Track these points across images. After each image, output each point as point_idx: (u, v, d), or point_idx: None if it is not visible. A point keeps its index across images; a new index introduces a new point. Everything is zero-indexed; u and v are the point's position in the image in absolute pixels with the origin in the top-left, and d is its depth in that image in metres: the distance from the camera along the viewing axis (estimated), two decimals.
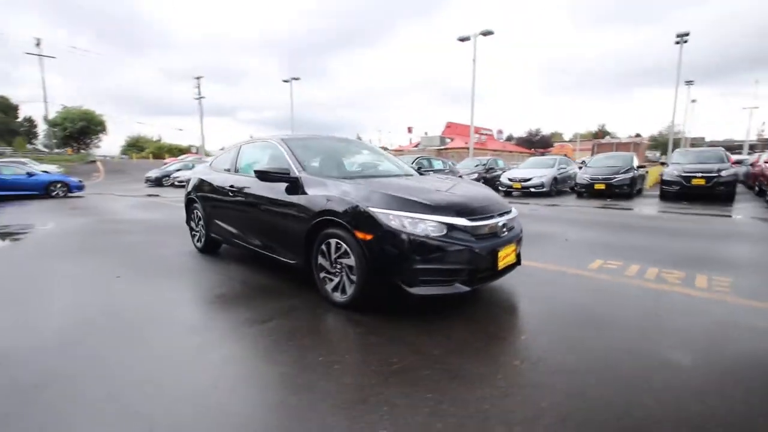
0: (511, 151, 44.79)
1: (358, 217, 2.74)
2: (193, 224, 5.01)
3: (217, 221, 4.44)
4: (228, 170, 4.41)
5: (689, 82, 28.35)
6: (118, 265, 4.41)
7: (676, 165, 11.33)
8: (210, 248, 4.82)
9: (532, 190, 12.56)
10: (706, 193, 10.39)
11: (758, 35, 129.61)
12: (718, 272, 3.81)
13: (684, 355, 2.27)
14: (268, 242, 3.67)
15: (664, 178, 11.18)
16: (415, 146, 43.20)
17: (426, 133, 45.72)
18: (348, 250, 2.80)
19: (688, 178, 10.57)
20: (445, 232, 2.63)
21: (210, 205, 4.56)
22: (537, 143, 54.04)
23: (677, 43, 18.45)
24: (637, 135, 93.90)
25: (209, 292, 3.46)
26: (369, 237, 2.65)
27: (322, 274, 3.08)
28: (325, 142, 4.22)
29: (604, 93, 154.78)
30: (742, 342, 2.44)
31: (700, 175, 10.47)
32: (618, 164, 12.46)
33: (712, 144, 62.12)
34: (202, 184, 4.73)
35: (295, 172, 3.38)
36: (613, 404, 1.81)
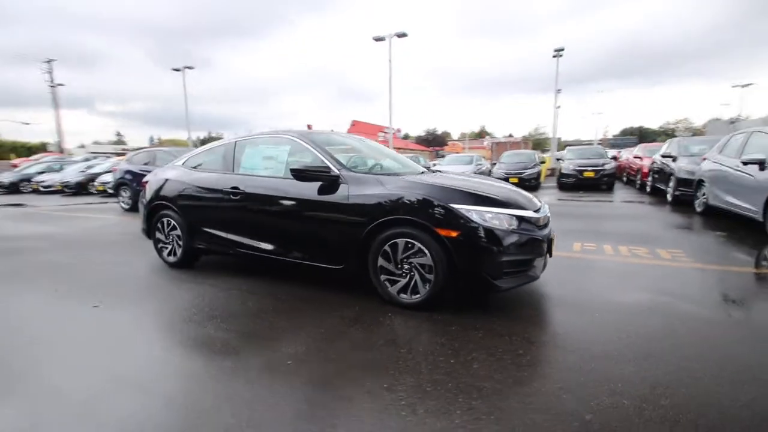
0: (412, 149, 47.28)
1: (439, 215, 2.68)
2: (160, 236, 4.22)
3: (207, 229, 3.83)
4: (221, 170, 3.83)
5: (559, 91, 33.72)
6: (75, 291, 3.51)
7: (571, 160, 13.47)
8: (188, 261, 4.13)
9: (605, 177, 13.11)
10: (594, 183, 12.54)
11: (604, 54, 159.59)
12: (665, 246, 4.71)
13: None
14: (297, 247, 3.33)
15: (563, 171, 13.16)
16: None
17: (332, 130, 45.32)
18: (423, 248, 2.73)
19: (581, 171, 12.64)
20: (517, 224, 2.75)
21: (196, 212, 3.92)
22: (433, 142, 58.10)
23: (554, 56, 21.81)
24: (510, 135, 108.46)
25: (246, 317, 2.99)
26: (454, 234, 2.62)
27: (384, 277, 2.93)
28: (337, 138, 3.98)
29: (485, 96, 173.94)
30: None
31: (590, 168, 12.61)
32: (525, 160, 14.24)
33: (567, 143, 74.50)
34: (178, 188, 4.01)
35: (335, 170, 3.13)
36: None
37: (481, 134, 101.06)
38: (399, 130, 60.81)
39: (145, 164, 9.57)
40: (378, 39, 18.86)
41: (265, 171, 3.57)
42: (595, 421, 1.65)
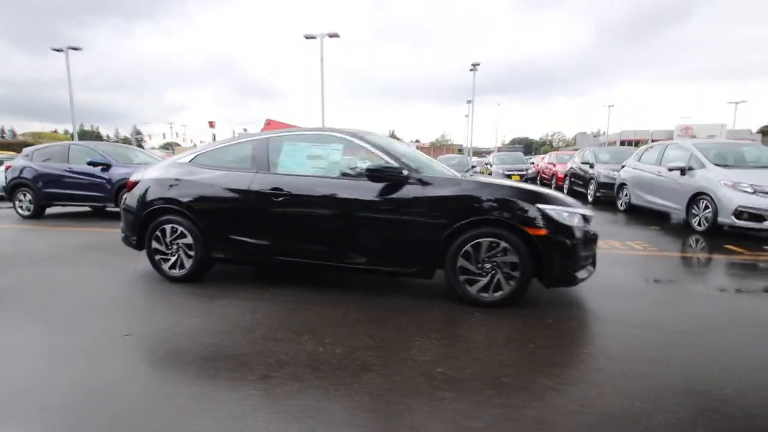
0: None
1: (528, 215, 2.81)
2: (159, 246, 3.56)
3: (234, 236, 3.37)
4: (251, 169, 3.41)
5: (469, 101, 36.82)
6: (85, 316, 2.79)
7: (499, 165, 14.90)
8: (199, 274, 3.58)
9: None
10: None
11: (504, 72, 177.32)
12: (623, 239, 5.57)
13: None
14: (360, 253, 3.14)
15: (493, 174, 14.50)
16: None
17: (245, 129, 42.77)
18: (509, 247, 2.82)
19: (509, 175, 14.07)
20: (584, 221, 3.03)
21: (218, 216, 3.42)
22: None
23: (471, 70, 23.80)
24: (417, 141, 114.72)
25: (335, 329, 2.71)
26: (544, 232, 2.78)
27: (463, 277, 2.95)
28: (381, 137, 3.82)
29: (393, 102, 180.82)
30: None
31: (516, 172, 14.12)
32: (459, 164, 15.28)
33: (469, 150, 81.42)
34: (193, 189, 3.45)
35: (405, 170, 3.05)
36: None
37: (392, 137, 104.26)
38: None
39: (46, 160, 7.91)
40: (309, 37, 18.35)
41: (313, 171, 3.29)
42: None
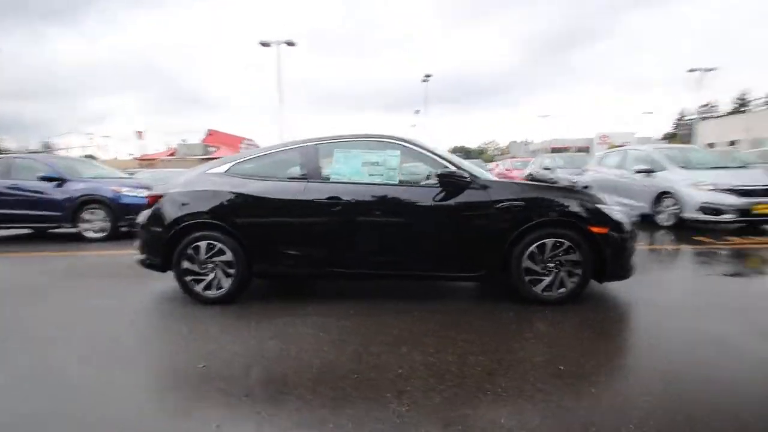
0: None
1: (591, 215, 2.98)
2: (190, 265, 3.22)
3: (283, 249, 3.17)
4: (299, 178, 3.24)
5: (417, 111, 38.13)
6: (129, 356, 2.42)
7: None
8: (239, 293, 3.30)
9: None
10: None
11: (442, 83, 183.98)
12: None
13: None
14: (423, 260, 3.12)
15: None
16: (171, 155, 36.93)
17: (184, 140, 40.00)
18: (573, 246, 2.98)
19: None
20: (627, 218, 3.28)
21: (265, 229, 3.19)
22: None
23: (423, 81, 24.67)
24: None
25: (437, 338, 2.62)
26: (605, 230, 2.97)
27: (528, 278, 3.05)
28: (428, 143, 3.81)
29: (341, 112, 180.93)
30: None
31: None
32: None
33: None
34: (235, 201, 3.19)
35: (468, 176, 3.09)
36: None
37: None
38: (252, 141, 57.64)
39: None
40: (264, 44, 17.80)
41: (370, 178, 3.20)
42: None
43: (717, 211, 5.98)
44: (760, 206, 5.76)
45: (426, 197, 3.09)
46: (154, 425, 1.76)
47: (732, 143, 30.61)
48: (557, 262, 3.02)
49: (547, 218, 2.99)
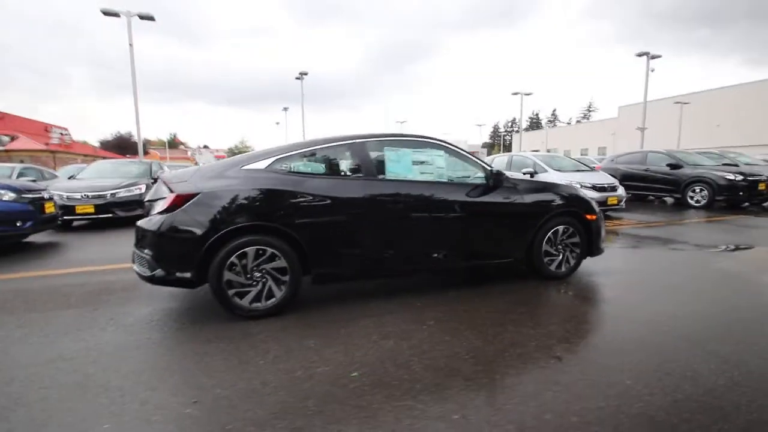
0: (105, 157, 37.19)
1: (586, 204, 3.81)
2: (234, 277, 2.77)
3: (343, 251, 3.04)
4: (353, 176, 3.12)
5: (285, 108, 36.45)
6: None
7: None
8: (290, 302, 2.98)
9: None
10: None
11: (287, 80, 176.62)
12: None
13: None
14: (471, 251, 3.46)
15: None
16: None
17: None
18: (575, 231, 3.77)
19: None
20: None
21: (326, 231, 2.98)
22: (128, 149, 47.66)
23: (297, 78, 24.03)
24: (205, 146, 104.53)
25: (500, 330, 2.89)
26: (594, 217, 3.84)
27: (546, 259, 3.71)
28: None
29: (175, 105, 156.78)
30: None
31: None
32: None
33: None
34: (290, 200, 2.87)
35: (502, 174, 3.55)
36: None
37: (174, 141, 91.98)
38: (66, 130, 46.08)
39: None
40: (109, 14, 14.45)
41: (421, 176, 3.33)
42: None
43: None
44: (609, 199, 8.01)
45: (472, 194, 3.42)
46: None
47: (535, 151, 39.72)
48: (564, 245, 3.78)
49: (560, 209, 3.71)
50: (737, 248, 5.28)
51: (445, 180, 3.41)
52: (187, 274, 2.72)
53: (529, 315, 2.97)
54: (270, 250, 2.83)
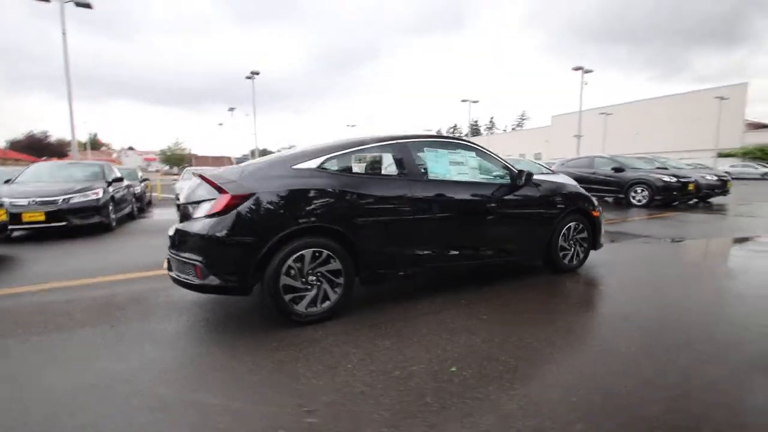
0: (17, 159, 32.66)
1: (590, 202, 4.16)
2: (292, 281, 2.66)
3: (394, 251, 3.05)
4: (397, 176, 3.13)
5: (231, 109, 34.61)
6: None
7: None
8: (343, 306, 2.92)
9: None
10: None
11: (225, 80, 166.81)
12: None
13: None
14: (508, 247, 3.68)
15: None
16: None
17: None
18: (584, 227, 4.10)
19: None
20: None
21: (379, 231, 2.96)
22: (45, 150, 42.27)
23: (248, 78, 23.04)
24: (131, 148, 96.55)
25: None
26: (597, 214, 4.20)
27: (562, 253, 3.98)
28: None
29: (95, 103, 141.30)
30: None
31: None
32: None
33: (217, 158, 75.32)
34: (348, 201, 2.83)
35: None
36: None
37: (97, 143, 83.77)
38: None
39: None
40: None
41: (459, 176, 3.42)
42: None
43: None
44: None
45: (505, 193, 3.59)
46: None
47: None
48: (574, 240, 4.09)
49: (573, 207, 4.01)
50: (682, 240, 6.07)
51: (480, 180, 3.55)
52: (238, 281, 2.56)
53: (564, 304, 3.20)
54: (326, 252, 2.75)
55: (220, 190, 2.60)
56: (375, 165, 3.18)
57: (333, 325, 2.75)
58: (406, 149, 3.26)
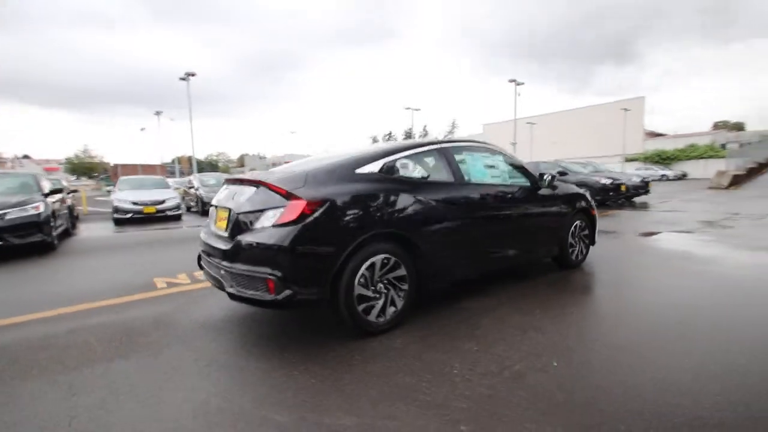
0: None
1: (589, 201, 4.55)
2: (364, 290, 2.56)
3: (450, 256, 3.06)
4: (445, 179, 3.16)
5: (158, 112, 31.53)
6: None
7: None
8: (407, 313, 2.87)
9: (168, 213, 11.37)
10: None
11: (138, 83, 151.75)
12: None
13: None
14: (538, 245, 3.91)
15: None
16: None
17: None
18: (586, 225, 4.49)
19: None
20: None
21: (438, 236, 2.96)
22: None
23: (182, 79, 21.35)
24: (26, 156, 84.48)
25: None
26: (595, 212, 4.61)
27: (570, 249, 4.31)
28: None
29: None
30: None
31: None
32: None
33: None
34: (413, 206, 2.79)
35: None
36: None
37: None
38: None
39: None
40: None
41: (493, 179, 3.54)
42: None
43: None
44: None
45: (531, 194, 3.80)
46: None
47: None
48: (579, 237, 4.45)
49: (580, 207, 4.37)
50: (651, 234, 6.91)
51: (511, 182, 3.72)
52: (319, 293, 2.40)
53: (590, 297, 3.47)
54: (393, 259, 2.69)
55: (290, 197, 2.42)
56: (423, 168, 3.18)
57: (401, 334, 2.68)
58: (448, 154, 3.31)
